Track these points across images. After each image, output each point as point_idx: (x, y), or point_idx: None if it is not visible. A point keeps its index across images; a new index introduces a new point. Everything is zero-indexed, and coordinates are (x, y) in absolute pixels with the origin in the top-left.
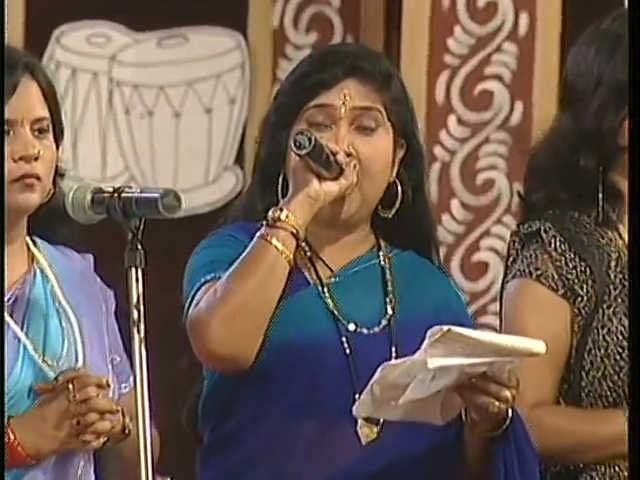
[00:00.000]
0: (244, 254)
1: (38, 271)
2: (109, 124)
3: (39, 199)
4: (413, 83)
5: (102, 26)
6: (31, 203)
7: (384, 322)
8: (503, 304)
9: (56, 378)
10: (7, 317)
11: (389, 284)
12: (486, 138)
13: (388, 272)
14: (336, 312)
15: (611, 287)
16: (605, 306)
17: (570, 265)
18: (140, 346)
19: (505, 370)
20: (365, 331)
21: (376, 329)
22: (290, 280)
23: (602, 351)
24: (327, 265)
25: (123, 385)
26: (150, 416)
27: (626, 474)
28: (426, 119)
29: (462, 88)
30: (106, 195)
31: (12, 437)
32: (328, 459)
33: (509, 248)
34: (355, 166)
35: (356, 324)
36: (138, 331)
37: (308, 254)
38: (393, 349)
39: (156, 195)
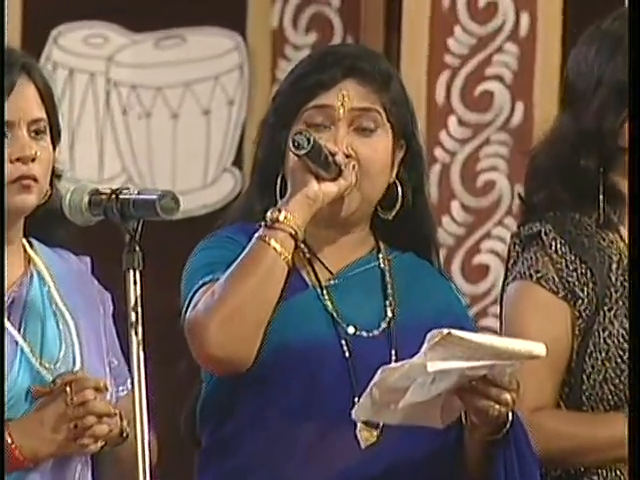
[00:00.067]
0: (242, 255)
1: (35, 273)
2: (106, 125)
3: (36, 200)
4: (413, 83)
5: (99, 27)
6: (28, 204)
7: (384, 325)
8: (503, 307)
9: (53, 381)
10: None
11: (389, 287)
12: (487, 139)
13: (388, 274)
14: (335, 315)
15: (612, 289)
16: (606, 309)
17: (571, 267)
18: (138, 349)
19: (506, 373)
20: (364, 334)
21: (375, 332)
22: (289, 282)
23: (603, 354)
24: (326, 267)
25: (120, 388)
26: (148, 419)
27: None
28: (426, 120)
29: (462, 89)
30: (103, 197)
31: (9, 441)
32: (327, 462)
33: (509, 250)
34: (354, 167)
35: (355, 327)
36: (136, 334)
37: (307, 256)
38: (393, 352)
39: (154, 197)
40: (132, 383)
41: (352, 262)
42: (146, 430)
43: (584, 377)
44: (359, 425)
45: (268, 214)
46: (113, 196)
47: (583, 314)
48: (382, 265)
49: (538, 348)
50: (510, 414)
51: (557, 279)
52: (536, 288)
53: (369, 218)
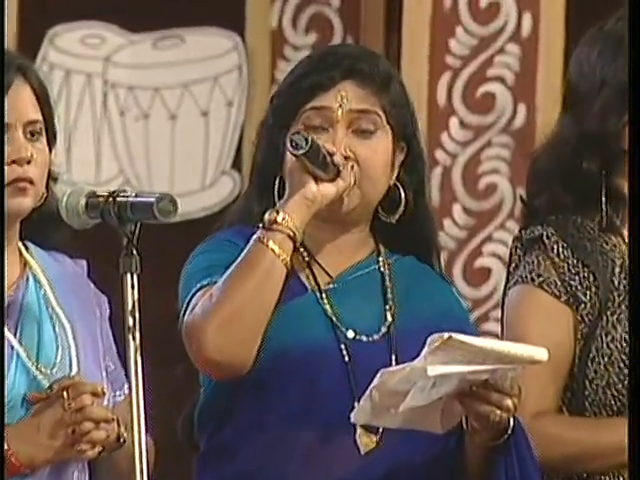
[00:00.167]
0: (240, 257)
1: (31, 276)
2: (103, 127)
3: (32, 203)
4: (414, 85)
5: (97, 27)
6: (24, 207)
7: (384, 329)
8: (505, 311)
9: (50, 386)
10: None
11: (389, 291)
12: (488, 141)
13: (388, 278)
14: (334, 319)
15: (615, 294)
16: (609, 313)
17: (573, 271)
18: (135, 353)
19: (507, 378)
20: (364, 338)
21: (375, 336)
22: (287, 285)
23: (606, 359)
24: (325, 271)
25: (117, 393)
26: (145, 424)
27: None
28: (427, 122)
29: (464, 90)
30: (100, 199)
31: (6, 447)
32: (326, 467)
33: (511, 254)
34: (352, 167)
35: (355, 331)
36: (133, 338)
37: (306, 259)
38: (393, 357)
39: (152, 199)
40: (129, 388)
41: (352, 265)
42: (143, 435)
43: (586, 382)
44: (359, 430)
45: (266, 216)
46: (110, 199)
47: (586, 318)
48: (382, 269)
49: (540, 353)
50: (511, 419)
51: (559, 283)
52: (538, 292)
53: (369, 219)
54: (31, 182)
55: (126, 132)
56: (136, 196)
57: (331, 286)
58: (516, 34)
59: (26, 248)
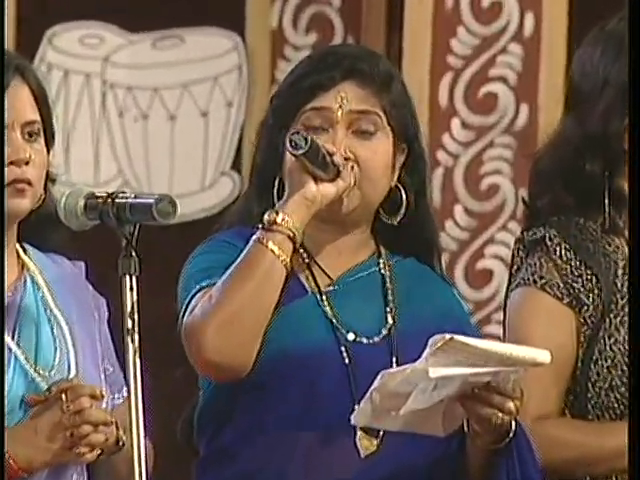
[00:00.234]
0: (239, 259)
1: (29, 278)
2: (102, 127)
3: (30, 205)
4: (415, 85)
5: (95, 27)
6: (22, 209)
7: (384, 332)
8: (507, 313)
9: (49, 389)
10: None
11: (389, 293)
12: (491, 142)
13: (388, 280)
14: (335, 321)
15: (618, 296)
16: (612, 315)
17: (576, 273)
18: (134, 356)
19: (509, 380)
20: (365, 340)
21: (376, 339)
22: (287, 287)
23: (609, 362)
24: (325, 272)
25: (116, 396)
26: (144, 428)
27: None
28: (429, 122)
29: (466, 90)
30: (99, 201)
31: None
32: (327, 469)
33: (513, 256)
34: (352, 167)
35: (355, 333)
36: (132, 340)
37: (306, 260)
38: (394, 359)
39: (151, 201)
40: (128, 391)
41: (352, 267)
42: (142, 438)
43: (589, 385)
44: (359, 433)
45: (265, 216)
46: (109, 200)
47: (588, 321)
48: (383, 270)
49: (542, 355)
50: (513, 422)
51: (562, 285)
52: (541, 294)
53: (370, 221)
54: (29, 183)
55: (125, 133)
56: (135, 197)
57: (331, 288)
58: (518, 34)
59: (24, 250)
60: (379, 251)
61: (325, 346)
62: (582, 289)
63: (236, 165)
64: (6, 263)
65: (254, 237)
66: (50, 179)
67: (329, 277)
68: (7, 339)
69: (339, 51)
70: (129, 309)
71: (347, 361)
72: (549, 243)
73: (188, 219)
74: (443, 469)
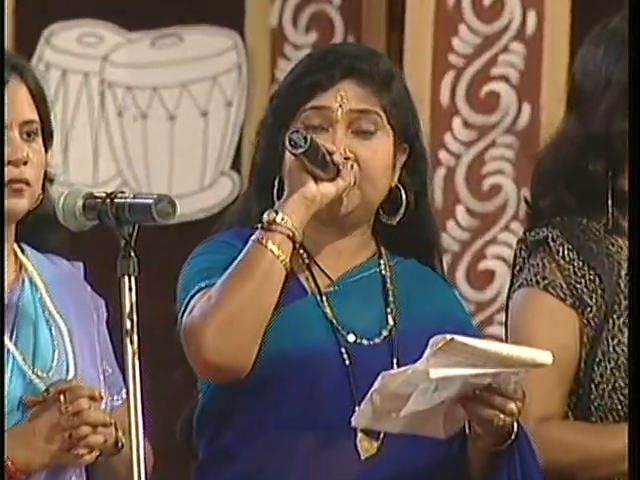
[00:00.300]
0: (239, 259)
1: (26, 279)
2: (101, 127)
3: (28, 205)
4: (416, 84)
5: (94, 25)
6: (20, 209)
7: (385, 333)
8: (510, 314)
9: (47, 390)
10: None
11: (390, 294)
12: (493, 142)
13: (389, 281)
14: (335, 322)
15: (621, 297)
16: (615, 316)
17: (579, 274)
18: (133, 357)
19: (511, 381)
20: (365, 342)
21: (377, 340)
22: (287, 288)
23: (612, 363)
24: (326, 273)
25: (115, 397)
26: (143, 429)
27: None
28: (430, 122)
29: (468, 89)
30: (98, 201)
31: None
32: (327, 472)
33: (516, 256)
34: (352, 167)
35: (356, 335)
36: (131, 342)
37: (306, 261)
38: (394, 361)
39: (150, 201)
40: (127, 392)
41: (352, 268)
42: (141, 440)
43: (592, 386)
44: (359, 435)
45: (265, 216)
46: (108, 200)
47: (592, 322)
48: (383, 271)
49: (543, 356)
50: (515, 424)
51: (565, 286)
52: (543, 295)
53: (370, 222)
54: (27, 183)
55: (124, 132)
56: (134, 197)
57: (331, 289)
58: (521, 32)
59: (22, 250)
60: (380, 252)
61: (325, 347)
62: (585, 290)
63: (236, 165)
64: (6, 264)
65: (253, 237)
66: (48, 179)
67: (329, 278)
68: (5, 340)
69: (339, 50)
70: (128, 310)
71: (347, 362)
72: (552, 244)
73: (187, 219)
74: (444, 471)
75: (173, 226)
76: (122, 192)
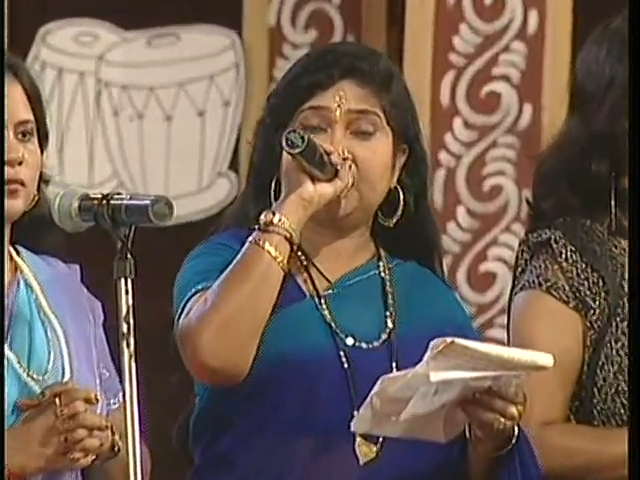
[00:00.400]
0: (235, 260)
1: (22, 281)
2: (97, 127)
3: (23, 206)
4: (416, 84)
5: (89, 24)
6: (15, 210)
7: (384, 336)
8: (511, 317)
9: (42, 392)
10: None
11: (389, 296)
12: (493, 142)
13: (388, 284)
14: (333, 325)
15: (625, 299)
16: (619, 319)
17: (582, 276)
18: (130, 361)
19: (512, 385)
20: (364, 345)
21: (376, 343)
22: (285, 290)
23: (615, 366)
24: (324, 275)
25: (112, 401)
26: (140, 434)
27: None
28: (430, 122)
29: (468, 89)
30: (94, 202)
31: None
32: (326, 477)
33: (517, 258)
34: (350, 167)
35: (354, 338)
36: (128, 345)
37: (304, 263)
38: (393, 364)
39: (146, 202)
40: (124, 396)
41: (351, 270)
42: (138, 444)
43: (595, 390)
44: (358, 440)
45: (262, 217)
46: (104, 201)
47: (595, 325)
48: (383, 274)
49: (545, 359)
50: (515, 428)
51: (568, 288)
52: (546, 297)
53: (369, 223)
54: (22, 184)
55: (120, 132)
56: (130, 198)
57: (330, 291)
58: (522, 31)
59: (17, 252)
60: (379, 254)
61: (324, 351)
62: (588, 292)
63: (233, 166)
64: (6, 266)
65: (250, 238)
66: (44, 180)
67: (327, 280)
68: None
69: (338, 49)
70: (124, 313)
71: (346, 366)
72: (554, 245)
73: (184, 221)
74: (444, 475)
75: (170, 228)
76: (118, 193)
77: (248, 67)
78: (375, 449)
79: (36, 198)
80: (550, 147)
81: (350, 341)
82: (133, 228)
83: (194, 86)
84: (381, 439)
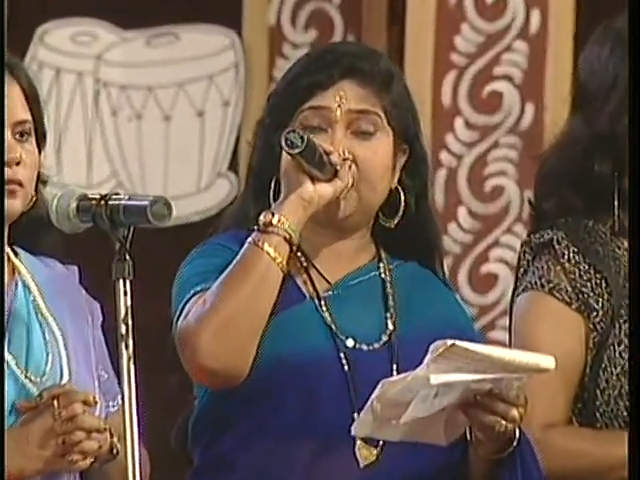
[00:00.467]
0: (234, 261)
1: (20, 282)
2: (95, 127)
3: (21, 206)
4: (417, 84)
5: (88, 24)
6: (12, 210)
7: (384, 338)
8: (513, 318)
9: (40, 395)
10: None
11: (390, 298)
12: (495, 142)
13: (389, 285)
14: (334, 327)
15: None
16: (621, 321)
17: (584, 277)
18: (128, 362)
19: (513, 387)
20: (364, 347)
21: (376, 345)
22: (285, 292)
23: (618, 368)
24: (324, 277)
25: (111, 404)
26: (139, 436)
27: None
28: (431, 122)
29: (470, 89)
30: (92, 202)
31: None
32: (326, 478)
33: (519, 259)
34: (350, 167)
35: (355, 340)
36: (126, 346)
37: (304, 264)
38: (394, 366)
39: (145, 203)
40: (122, 398)
41: (351, 271)
42: (137, 446)
43: (598, 392)
44: (358, 443)
45: (261, 217)
46: (102, 202)
47: (598, 326)
48: (383, 275)
49: (546, 361)
50: (517, 431)
51: (570, 289)
52: (548, 299)
53: (369, 224)
54: (20, 184)
55: (119, 133)
56: (129, 199)
57: (330, 293)
58: (524, 31)
59: (15, 253)
60: (379, 255)
61: (324, 352)
62: (591, 293)
63: (233, 166)
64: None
65: (249, 239)
66: (41, 180)
67: (328, 282)
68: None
69: (338, 49)
70: (123, 314)
71: (346, 368)
72: (557, 246)
73: (183, 222)
74: (445, 478)
75: (169, 228)
76: (117, 194)
77: (248, 67)
78: (375, 452)
79: (34, 199)
80: (552, 147)
81: (350, 343)
82: (132, 229)
83: (193, 86)
84: (381, 442)
